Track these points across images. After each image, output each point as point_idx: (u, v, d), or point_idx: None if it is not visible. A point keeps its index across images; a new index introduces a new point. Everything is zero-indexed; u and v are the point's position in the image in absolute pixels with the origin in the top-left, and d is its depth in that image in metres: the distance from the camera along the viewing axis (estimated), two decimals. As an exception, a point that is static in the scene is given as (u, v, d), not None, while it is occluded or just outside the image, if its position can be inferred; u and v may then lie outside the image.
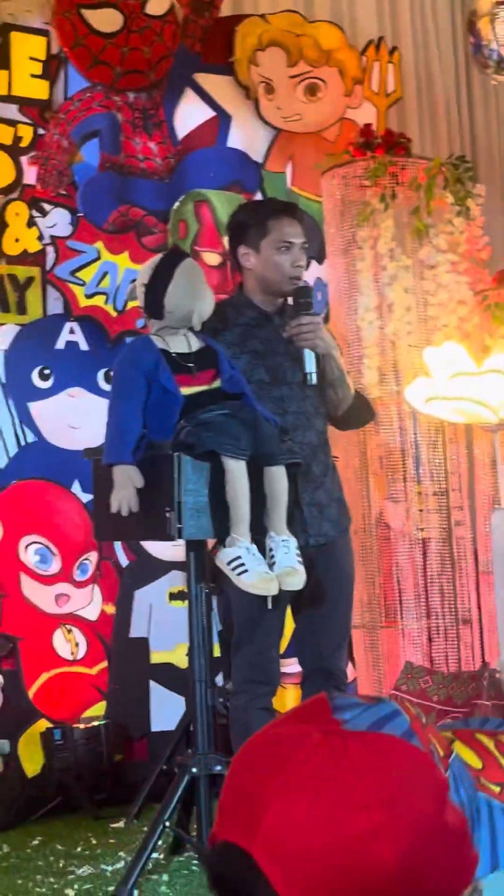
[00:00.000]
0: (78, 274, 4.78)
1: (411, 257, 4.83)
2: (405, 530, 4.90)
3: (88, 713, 4.60)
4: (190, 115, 5.09)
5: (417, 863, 0.88)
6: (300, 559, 3.30)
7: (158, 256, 3.35)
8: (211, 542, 3.45)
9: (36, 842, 4.02)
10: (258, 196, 5.12)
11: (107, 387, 4.78)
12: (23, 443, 4.67)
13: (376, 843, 0.85)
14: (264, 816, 0.86)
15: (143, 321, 3.47)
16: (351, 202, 4.91)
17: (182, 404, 3.23)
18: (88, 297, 4.80)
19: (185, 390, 3.25)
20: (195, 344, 3.33)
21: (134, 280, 3.41)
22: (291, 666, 4.51)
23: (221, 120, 5.15)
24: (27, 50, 4.73)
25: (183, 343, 3.31)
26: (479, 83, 5.93)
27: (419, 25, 5.80)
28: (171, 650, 4.75)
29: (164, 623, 4.77)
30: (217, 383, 3.32)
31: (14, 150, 4.70)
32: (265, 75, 5.20)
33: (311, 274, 5.20)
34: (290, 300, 3.67)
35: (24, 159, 4.71)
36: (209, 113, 5.13)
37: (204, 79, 5.12)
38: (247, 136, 5.19)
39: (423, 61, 5.76)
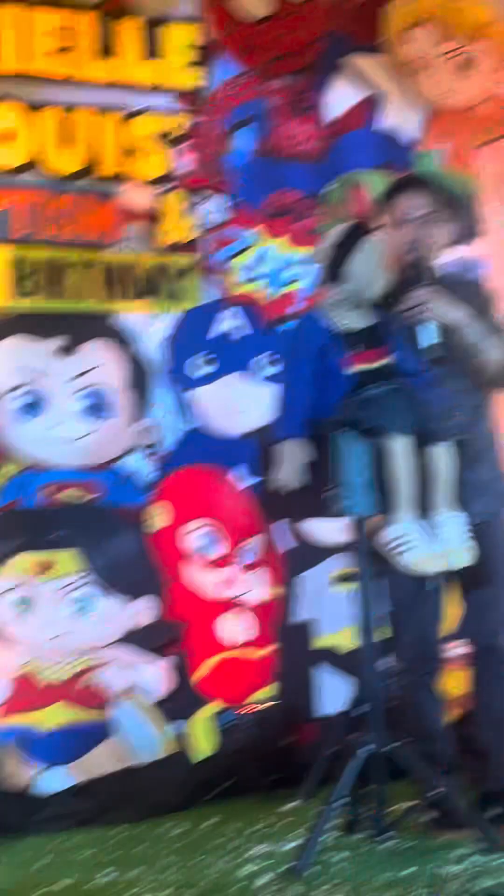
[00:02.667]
0: (235, 260, 4.81)
1: None
2: None
3: (257, 696, 4.64)
4: (342, 96, 5.07)
5: None
6: (469, 535, 3.27)
7: (351, 223, 3.35)
8: (375, 521, 3.44)
9: (211, 822, 4.07)
10: (413, 175, 5.07)
11: (266, 371, 4.80)
12: (187, 428, 4.71)
13: None
14: None
15: (321, 282, 3.42)
16: (508, 176, 4.84)
17: (349, 382, 3.22)
18: (246, 282, 4.82)
19: (353, 368, 3.24)
20: (368, 320, 3.30)
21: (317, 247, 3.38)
22: (457, 648, 4.47)
23: (374, 100, 5.12)
24: (181, 39, 4.77)
25: (355, 318, 3.29)
26: None
27: None
28: (337, 633, 4.74)
29: (329, 606, 4.76)
30: (385, 360, 3.29)
31: (170, 140, 4.74)
32: (417, 52, 5.14)
33: (468, 251, 5.14)
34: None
35: (180, 148, 4.76)
36: (361, 94, 5.10)
37: (356, 59, 5.09)
38: (400, 115, 5.15)
39: None
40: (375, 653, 3.49)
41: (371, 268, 3.22)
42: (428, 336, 3.40)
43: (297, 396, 3.24)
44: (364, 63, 5.10)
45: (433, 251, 3.59)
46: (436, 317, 3.42)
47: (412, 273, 3.50)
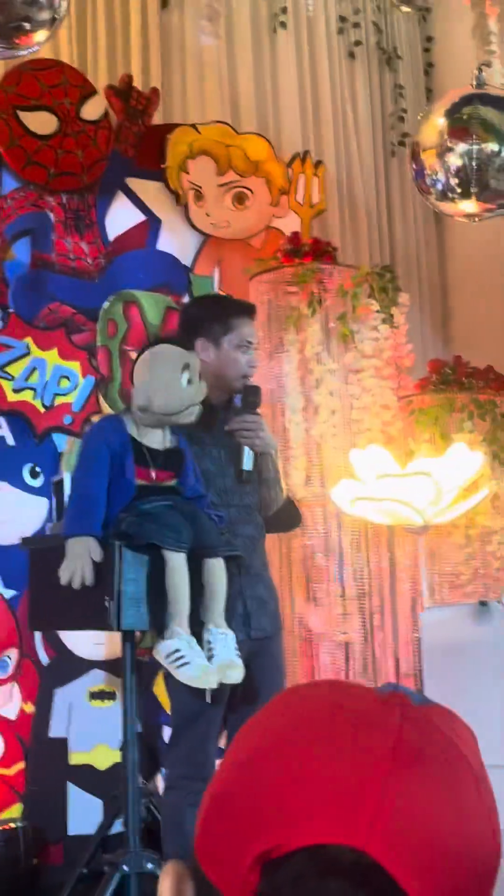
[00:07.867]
0: (6, 369, 4.78)
1: (337, 362, 4.94)
2: (326, 633, 4.92)
3: (4, 815, 4.49)
4: (121, 217, 5.17)
5: None
6: (238, 652, 3.29)
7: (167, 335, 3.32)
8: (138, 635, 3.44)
9: None
10: (186, 298, 5.18)
11: (32, 482, 4.76)
12: None
13: (495, 839, 0.83)
14: (379, 811, 0.78)
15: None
16: (278, 307, 5.02)
17: (130, 494, 3.22)
18: (16, 391, 4.79)
19: (139, 482, 3.25)
20: (169, 442, 3.32)
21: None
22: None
23: (151, 224, 5.24)
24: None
25: (158, 438, 3.29)
26: (398, 197, 6.14)
27: (342, 140, 6.00)
28: (90, 751, 4.66)
29: (83, 723, 4.68)
30: (170, 483, 3.31)
31: None
32: (195, 182, 5.31)
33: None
34: (237, 398, 3.69)
35: (-45, 254, 4.74)
36: (140, 217, 5.22)
37: (135, 183, 5.21)
38: (176, 241, 5.28)
39: (345, 175, 5.95)
40: (135, 770, 3.44)
41: (176, 385, 3.22)
42: (249, 459, 3.50)
43: (95, 492, 3.20)
44: (144, 187, 5.23)
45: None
46: (262, 444, 3.53)
47: (245, 395, 3.59)
